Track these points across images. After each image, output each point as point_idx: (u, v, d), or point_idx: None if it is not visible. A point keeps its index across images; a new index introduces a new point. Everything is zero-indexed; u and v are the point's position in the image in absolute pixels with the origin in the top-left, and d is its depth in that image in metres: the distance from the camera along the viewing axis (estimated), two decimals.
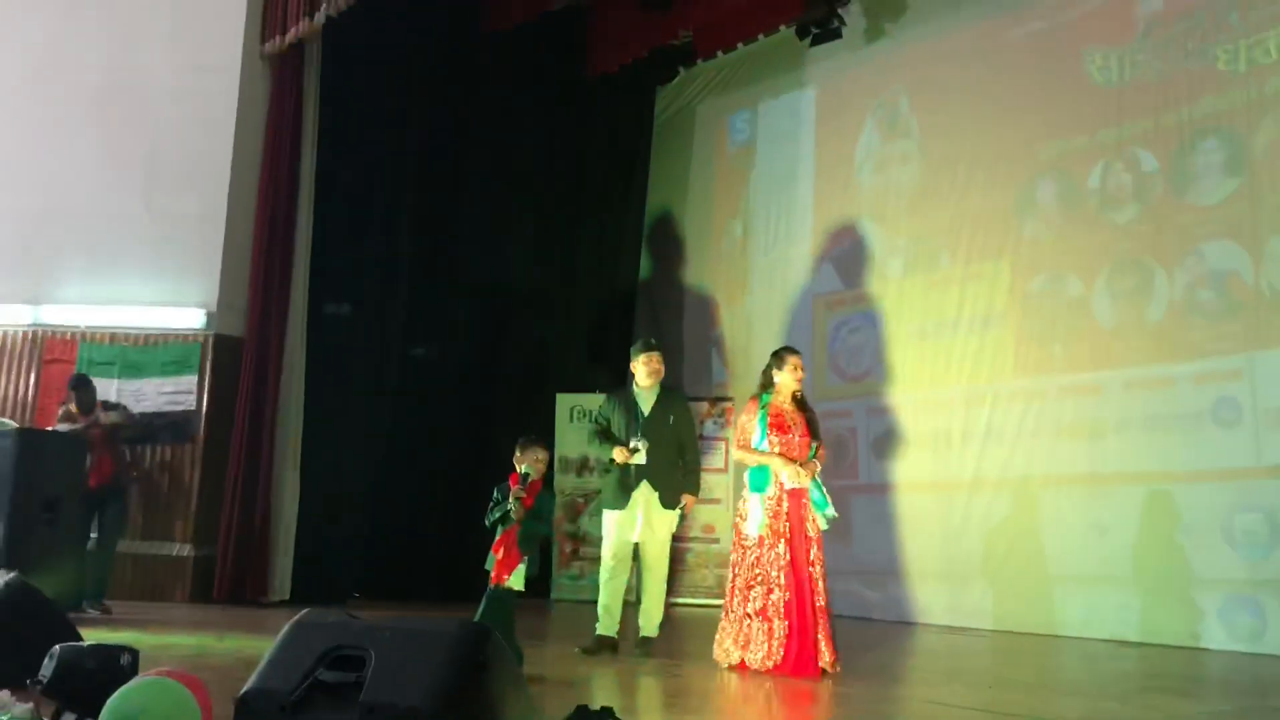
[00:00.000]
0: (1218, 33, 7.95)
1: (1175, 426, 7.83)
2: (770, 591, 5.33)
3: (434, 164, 10.95)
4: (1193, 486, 7.66)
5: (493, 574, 5.36)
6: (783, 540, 5.39)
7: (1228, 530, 7.43)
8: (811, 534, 5.49)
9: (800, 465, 5.51)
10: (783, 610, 5.28)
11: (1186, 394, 7.81)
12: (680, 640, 6.98)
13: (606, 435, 6.35)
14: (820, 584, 5.43)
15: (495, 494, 5.43)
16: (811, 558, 5.43)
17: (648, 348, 6.48)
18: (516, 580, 5.19)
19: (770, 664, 5.27)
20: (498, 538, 5.34)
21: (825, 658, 5.34)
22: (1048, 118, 8.95)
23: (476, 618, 5.11)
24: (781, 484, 5.48)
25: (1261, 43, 7.71)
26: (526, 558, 5.20)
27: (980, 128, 9.43)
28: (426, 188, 10.85)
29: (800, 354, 6.02)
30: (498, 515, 5.29)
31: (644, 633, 6.20)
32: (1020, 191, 9.08)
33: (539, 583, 10.38)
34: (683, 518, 6.63)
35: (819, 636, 5.30)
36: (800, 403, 5.83)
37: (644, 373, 6.39)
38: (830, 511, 5.58)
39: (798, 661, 5.22)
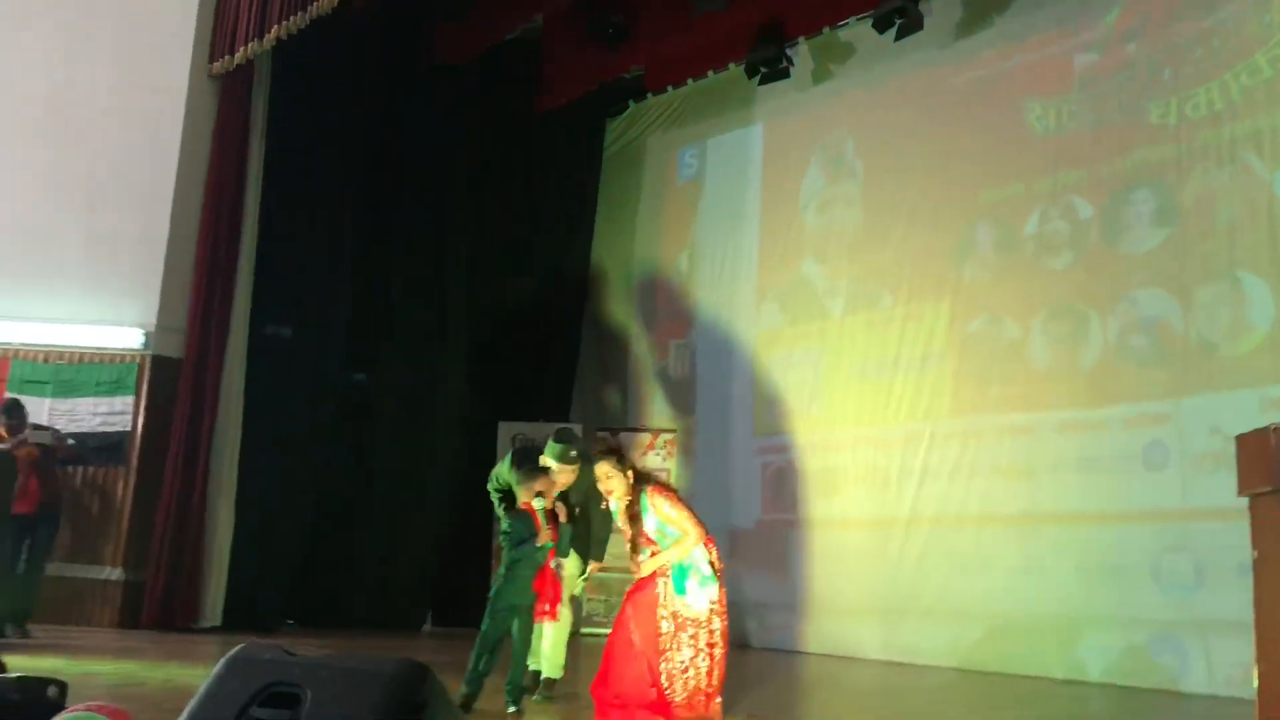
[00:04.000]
0: (1151, 87, 8.21)
1: (1107, 468, 8.01)
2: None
3: (379, 192, 10.93)
4: (1123, 527, 7.83)
5: (540, 611, 5.54)
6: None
7: (1155, 570, 7.59)
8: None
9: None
10: None
11: (1118, 437, 7.99)
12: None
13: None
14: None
15: (506, 525, 5.41)
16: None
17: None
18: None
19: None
20: (534, 576, 5.40)
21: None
22: (987, 164, 9.16)
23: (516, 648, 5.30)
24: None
25: (1192, 98, 7.97)
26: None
27: (922, 172, 9.63)
28: (371, 215, 10.82)
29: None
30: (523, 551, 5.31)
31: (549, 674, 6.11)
32: (960, 235, 9.27)
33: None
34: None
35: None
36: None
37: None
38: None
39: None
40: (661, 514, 5.23)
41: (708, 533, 5.25)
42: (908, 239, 9.63)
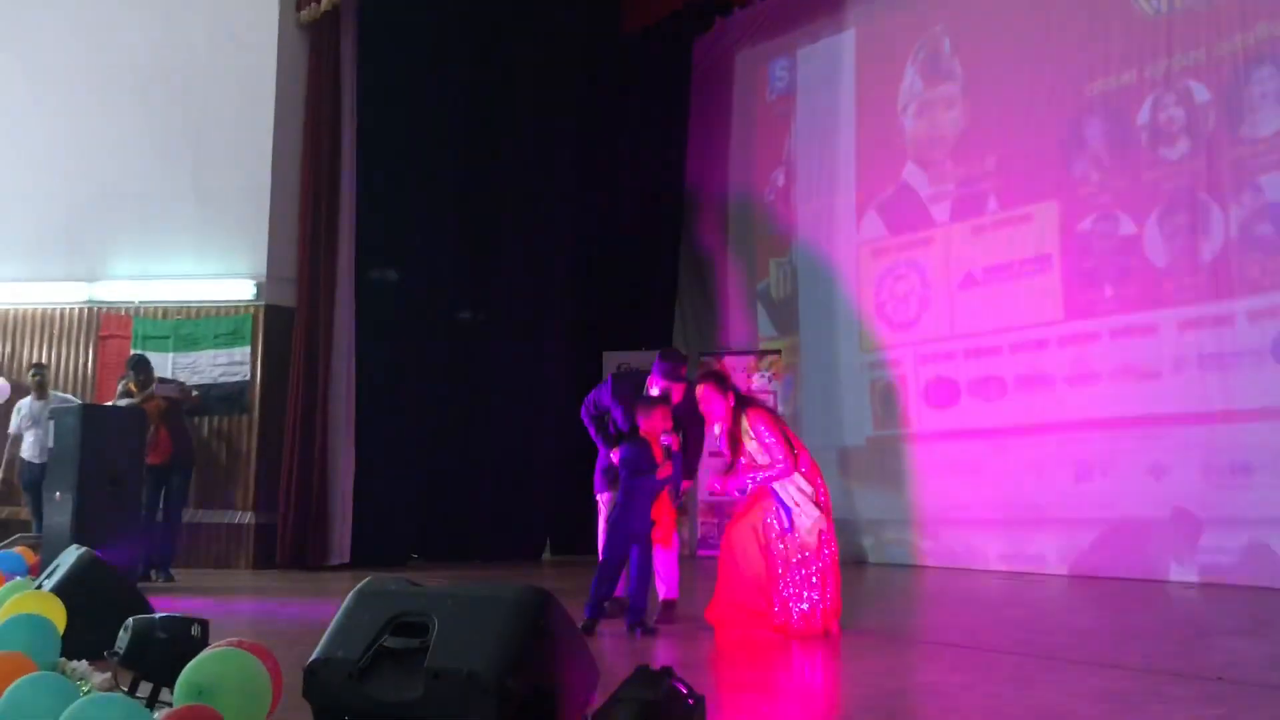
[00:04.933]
0: None
1: (1233, 364, 7.69)
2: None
3: (474, 125, 10.94)
4: (1251, 425, 7.53)
5: (656, 536, 5.56)
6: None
7: None
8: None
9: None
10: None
11: (1244, 331, 7.66)
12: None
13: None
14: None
15: (625, 453, 5.47)
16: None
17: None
18: None
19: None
20: (652, 504, 5.46)
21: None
22: (1094, 52, 8.73)
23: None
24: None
25: None
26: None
27: (1024, 66, 9.24)
28: (468, 149, 10.86)
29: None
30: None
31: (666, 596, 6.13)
32: (1068, 130, 8.89)
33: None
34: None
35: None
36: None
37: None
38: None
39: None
40: (760, 440, 5.22)
41: (800, 464, 5.22)
42: (1013, 138, 9.29)
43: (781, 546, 5.21)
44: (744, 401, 5.42)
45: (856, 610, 5.98)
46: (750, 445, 5.29)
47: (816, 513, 5.21)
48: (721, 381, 5.41)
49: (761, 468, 5.24)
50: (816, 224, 11.06)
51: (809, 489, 5.24)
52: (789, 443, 5.27)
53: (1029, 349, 8.99)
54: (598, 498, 6.26)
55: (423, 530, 10.48)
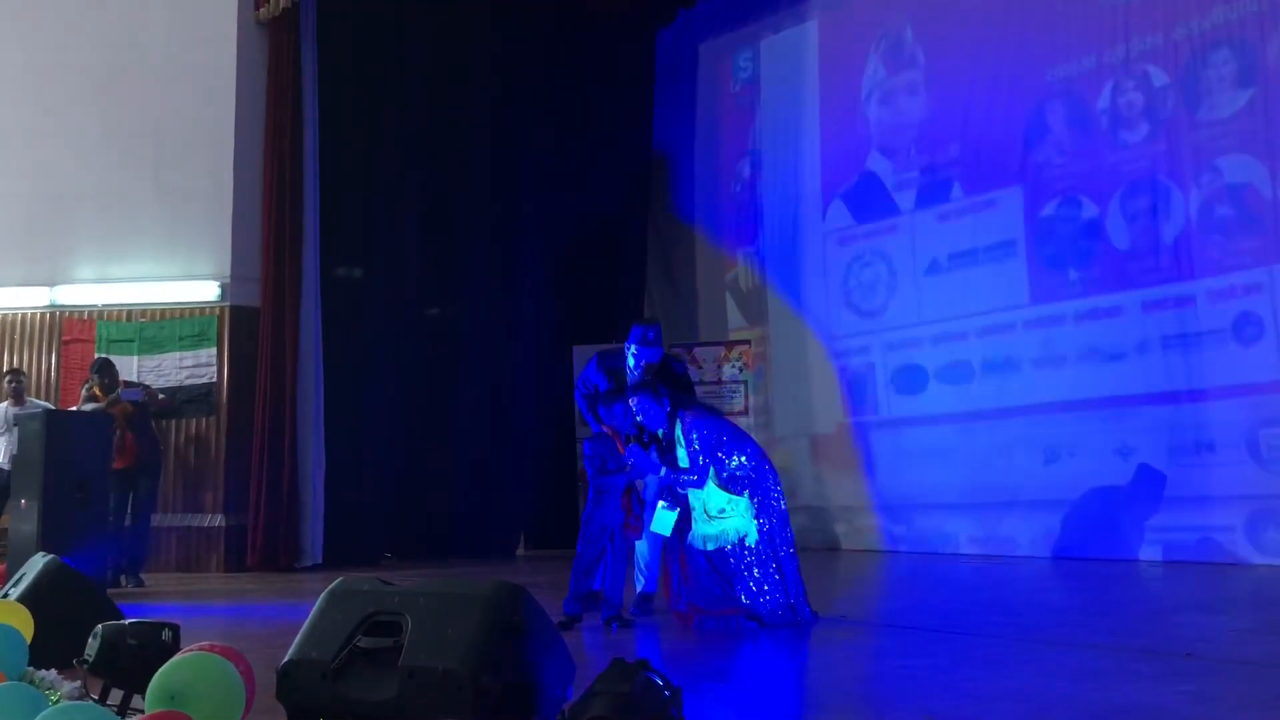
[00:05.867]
0: None
1: (1196, 344, 7.79)
2: None
3: (436, 121, 10.88)
4: (1216, 404, 7.63)
5: (629, 525, 5.63)
6: None
7: (1253, 445, 7.41)
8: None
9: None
10: None
11: (1206, 311, 7.75)
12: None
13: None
14: None
15: (588, 451, 5.51)
16: None
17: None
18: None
19: None
20: (621, 497, 5.50)
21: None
22: (1054, 38, 8.80)
23: None
24: None
25: None
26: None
27: (986, 54, 9.30)
28: (431, 145, 10.79)
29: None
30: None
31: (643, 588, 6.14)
32: (1030, 116, 8.96)
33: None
34: None
35: None
36: None
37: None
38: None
39: None
40: (689, 448, 5.23)
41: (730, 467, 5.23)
42: (975, 125, 9.35)
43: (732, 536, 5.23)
44: (679, 403, 5.43)
45: (829, 597, 6.02)
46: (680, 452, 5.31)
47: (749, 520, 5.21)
48: (654, 389, 5.41)
49: (682, 471, 5.26)
50: (783, 214, 11.09)
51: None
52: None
53: (995, 333, 9.07)
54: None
55: (396, 529, 10.43)
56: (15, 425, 8.51)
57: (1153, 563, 7.69)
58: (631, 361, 5.83)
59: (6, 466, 8.47)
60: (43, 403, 9.08)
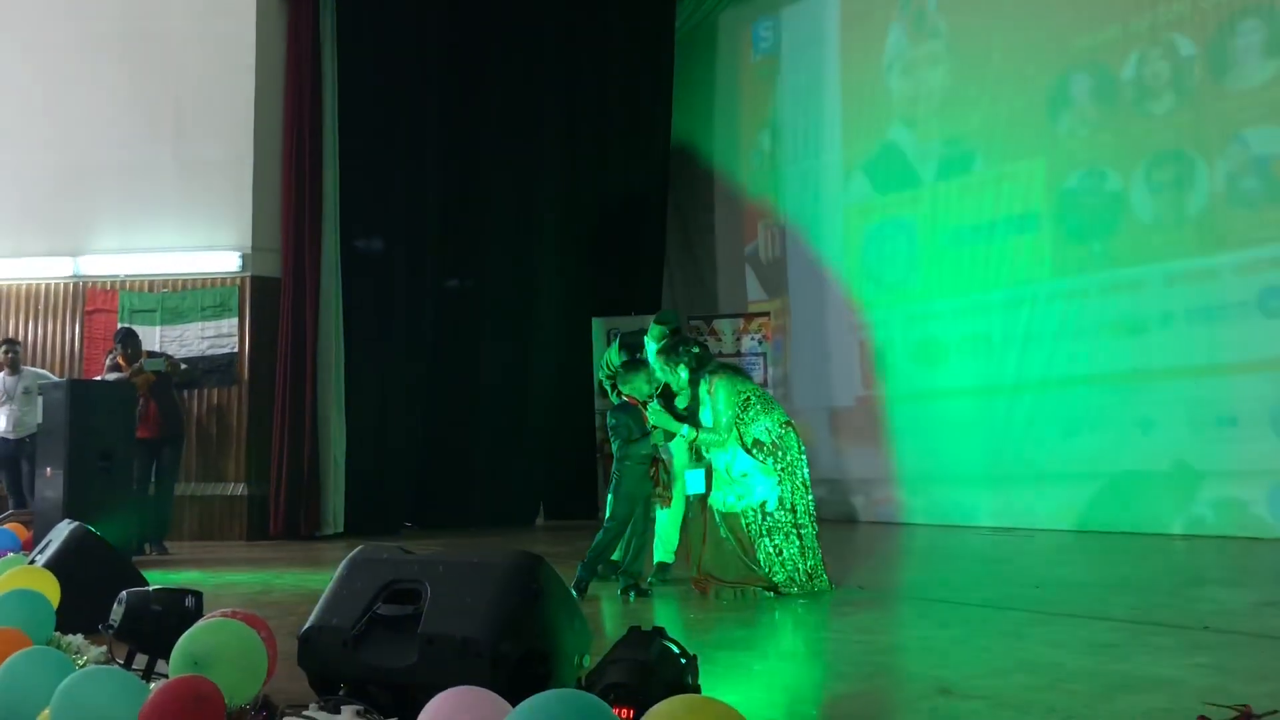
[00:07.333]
0: None
1: (1219, 318, 7.72)
2: None
3: (455, 89, 10.85)
4: (1239, 377, 7.57)
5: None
6: None
7: (1276, 419, 7.35)
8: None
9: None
10: None
11: (1230, 284, 7.68)
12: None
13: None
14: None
15: (613, 420, 5.56)
16: None
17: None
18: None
19: None
20: (648, 468, 5.54)
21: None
22: (1079, 7, 8.68)
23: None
24: None
25: None
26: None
27: (1010, 23, 9.18)
28: (449, 114, 10.77)
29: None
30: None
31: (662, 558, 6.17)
32: (1053, 87, 8.86)
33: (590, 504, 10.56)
34: None
35: None
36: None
37: None
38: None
39: None
40: (715, 408, 5.28)
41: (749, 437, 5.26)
42: (998, 95, 9.25)
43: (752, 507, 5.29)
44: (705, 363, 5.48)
45: (847, 568, 6.04)
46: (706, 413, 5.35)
47: (773, 477, 5.24)
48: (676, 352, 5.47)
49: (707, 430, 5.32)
50: (803, 185, 11.02)
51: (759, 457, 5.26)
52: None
53: (1017, 306, 9.00)
54: None
55: (416, 498, 10.51)
56: (12, 396, 8.62)
57: (1173, 536, 7.66)
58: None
59: (12, 436, 8.58)
60: (39, 370, 9.15)
